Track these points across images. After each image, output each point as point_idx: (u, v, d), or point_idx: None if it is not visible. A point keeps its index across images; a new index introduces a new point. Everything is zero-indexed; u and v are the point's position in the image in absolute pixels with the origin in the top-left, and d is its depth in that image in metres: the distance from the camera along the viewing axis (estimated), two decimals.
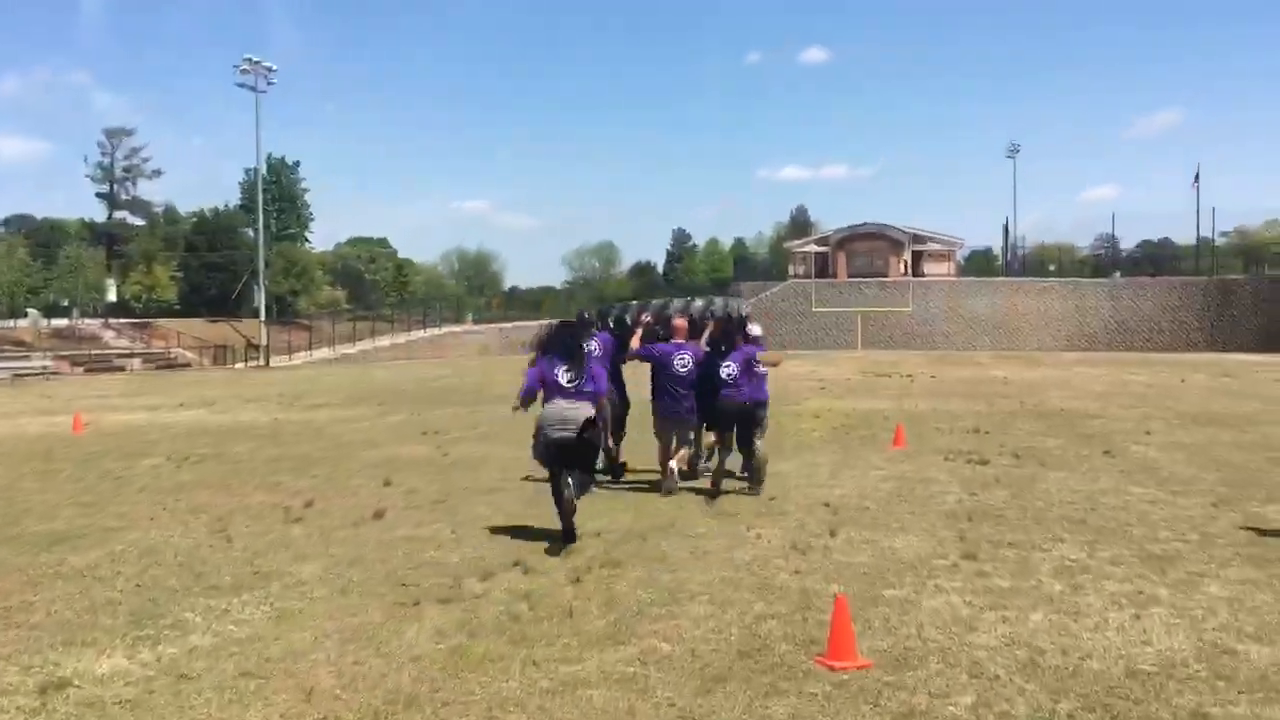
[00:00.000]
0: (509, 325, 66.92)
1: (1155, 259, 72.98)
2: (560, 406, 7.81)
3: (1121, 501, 9.31)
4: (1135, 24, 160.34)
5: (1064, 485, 10.31)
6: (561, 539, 7.63)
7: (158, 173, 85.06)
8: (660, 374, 10.22)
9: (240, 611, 6.03)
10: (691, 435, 10.57)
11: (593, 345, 9.81)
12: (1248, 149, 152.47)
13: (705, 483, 10.06)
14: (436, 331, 64.47)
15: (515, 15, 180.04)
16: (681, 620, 5.73)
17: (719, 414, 10.00)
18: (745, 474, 10.33)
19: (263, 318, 61.37)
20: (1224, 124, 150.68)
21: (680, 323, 10.48)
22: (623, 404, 11.04)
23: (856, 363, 39.08)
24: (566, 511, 7.63)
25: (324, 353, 58.97)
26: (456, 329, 65.70)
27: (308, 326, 71.31)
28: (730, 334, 10.24)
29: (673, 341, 10.35)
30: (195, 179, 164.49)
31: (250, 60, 60.70)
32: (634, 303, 11.97)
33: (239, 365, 53.74)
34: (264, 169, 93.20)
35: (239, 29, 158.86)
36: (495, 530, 8.25)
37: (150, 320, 64.01)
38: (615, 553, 7.39)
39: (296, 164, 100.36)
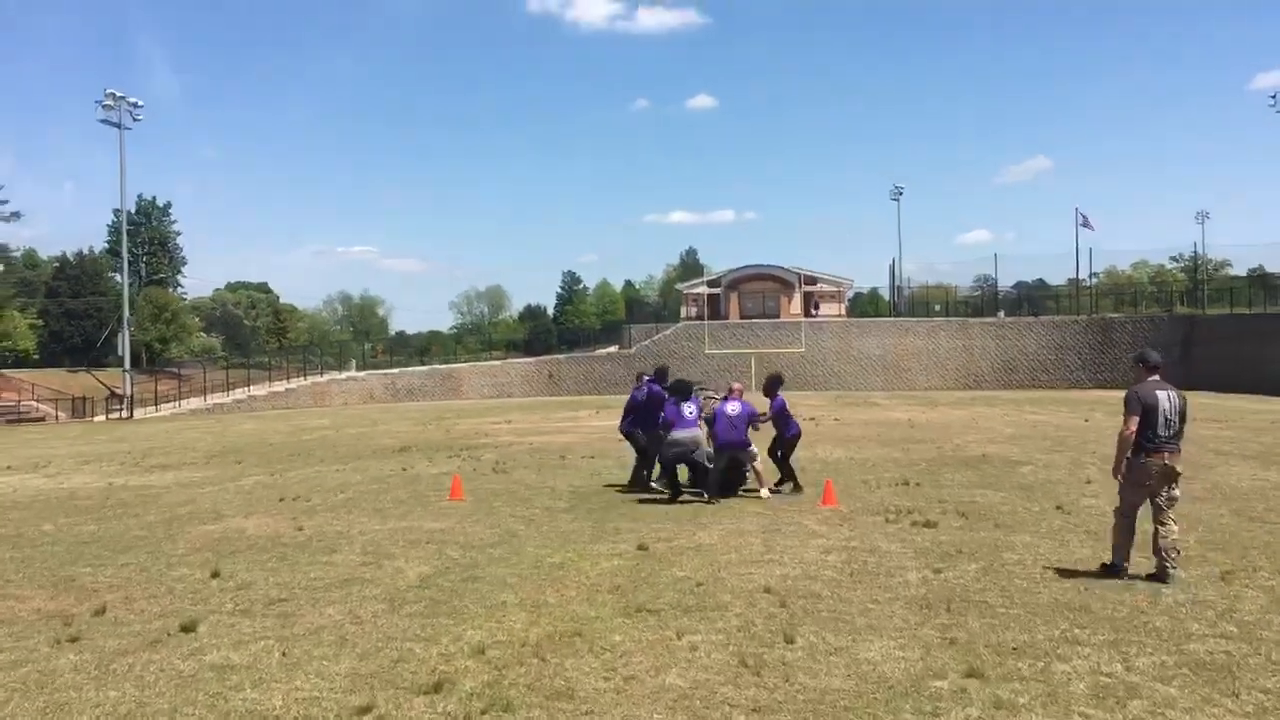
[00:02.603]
0: (395, 371, 63.74)
1: (1031, 299, 74.44)
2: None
3: (1117, 580, 7.78)
4: (1007, 74, 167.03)
5: (1035, 554, 8.78)
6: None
7: (16, 215, 79.22)
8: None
9: None
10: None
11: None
12: (1114, 194, 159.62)
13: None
14: (318, 379, 60.90)
15: (401, 58, 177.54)
16: None
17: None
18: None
19: (127, 366, 57.01)
20: (1091, 170, 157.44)
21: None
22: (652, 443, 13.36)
23: (755, 404, 37.68)
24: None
25: (195, 403, 54.93)
26: (339, 376, 62.23)
27: (177, 375, 66.88)
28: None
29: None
30: (65, 224, 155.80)
31: (113, 95, 56.90)
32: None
33: (99, 418, 49.63)
34: (133, 210, 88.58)
35: (111, 73, 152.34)
36: (342, 647, 6.20)
37: (1, 372, 58.94)
38: (505, 682, 5.44)
39: (168, 205, 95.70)
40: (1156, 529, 7.79)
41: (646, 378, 14.32)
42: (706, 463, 12.66)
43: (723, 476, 12.70)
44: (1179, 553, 7.87)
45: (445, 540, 9.98)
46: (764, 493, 12.65)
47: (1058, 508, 11.39)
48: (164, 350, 79.07)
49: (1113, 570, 7.94)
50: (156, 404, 53.44)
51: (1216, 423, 24.61)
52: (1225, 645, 5.88)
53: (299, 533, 10.67)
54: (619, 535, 10.08)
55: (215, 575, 8.41)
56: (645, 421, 13.50)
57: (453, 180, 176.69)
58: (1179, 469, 7.84)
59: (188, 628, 6.66)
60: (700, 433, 12.78)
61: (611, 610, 6.98)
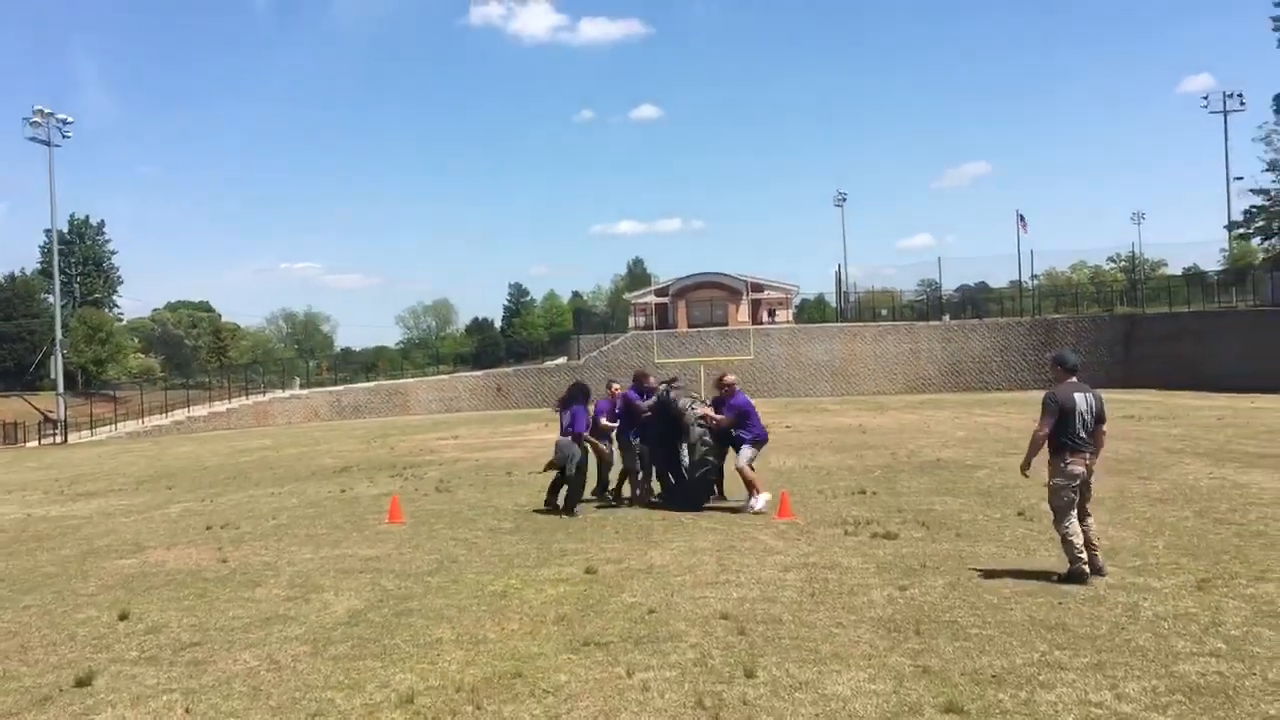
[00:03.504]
0: (339, 388, 62.43)
1: (974, 301, 75.08)
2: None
3: (1087, 590, 7.40)
4: (945, 81, 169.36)
5: (1001, 565, 8.37)
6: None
7: None
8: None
9: None
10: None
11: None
12: (1052, 197, 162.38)
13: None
14: (260, 398, 59.47)
15: (343, 72, 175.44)
16: None
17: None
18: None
19: (60, 389, 55.24)
20: (1029, 174, 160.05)
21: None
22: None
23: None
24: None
25: (131, 426, 53.27)
26: (282, 395, 60.80)
27: (113, 398, 64.98)
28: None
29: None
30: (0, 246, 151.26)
31: (42, 112, 55.12)
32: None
33: (32, 444, 47.83)
34: (65, 229, 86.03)
35: (45, 90, 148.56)
36: (254, 699, 5.56)
37: None
38: None
39: (101, 224, 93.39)
40: (1082, 524, 7.79)
41: (615, 385, 13.93)
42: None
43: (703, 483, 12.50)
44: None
45: (380, 569, 9.33)
46: (759, 503, 11.91)
47: (1019, 514, 11.04)
48: (100, 372, 76.90)
49: (1077, 576, 7.57)
50: (92, 428, 51.82)
51: (1163, 420, 24.66)
52: (1217, 665, 5.47)
53: (222, 565, 9.95)
54: (565, 557, 9.51)
55: (124, 617, 7.69)
56: (642, 430, 13.07)
57: (396, 195, 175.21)
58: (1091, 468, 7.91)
59: (83, 681, 5.97)
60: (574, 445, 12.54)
61: (556, 645, 6.41)
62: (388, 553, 10.19)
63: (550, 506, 12.71)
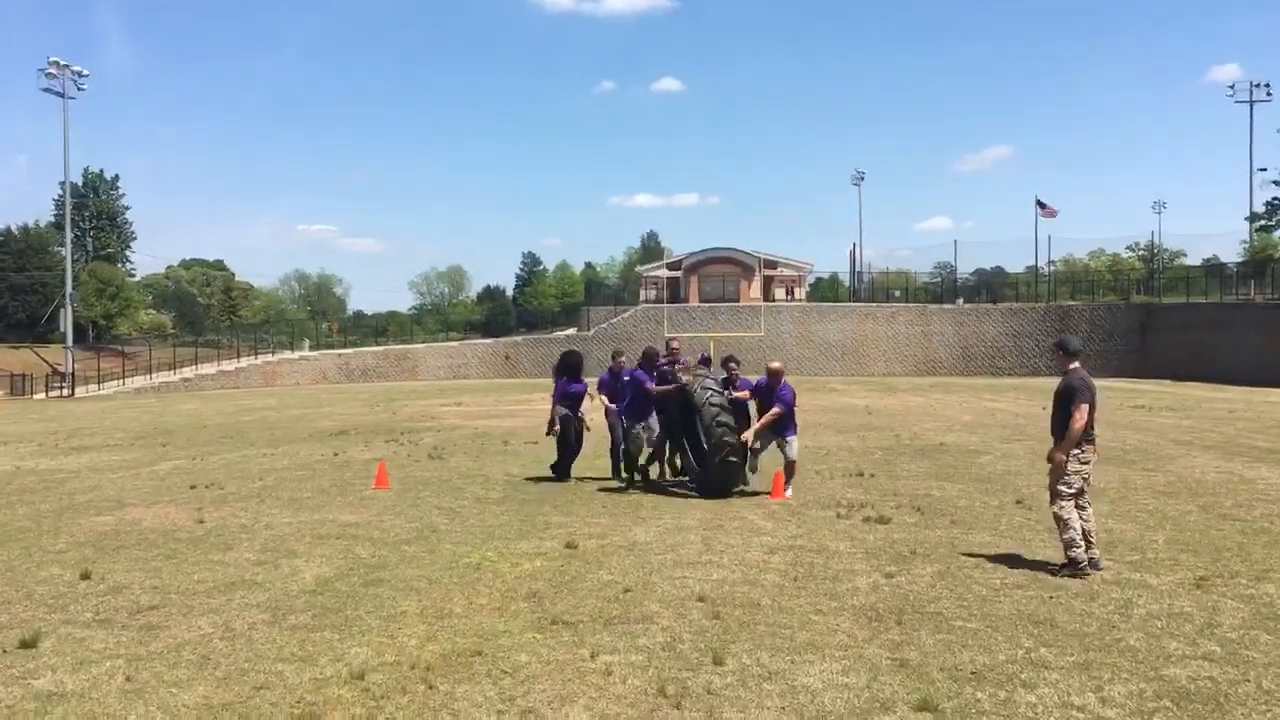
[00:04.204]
0: (349, 351, 62.34)
1: (990, 286, 74.40)
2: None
3: (1080, 584, 7.11)
4: (969, 63, 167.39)
5: (994, 555, 8.09)
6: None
7: None
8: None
9: None
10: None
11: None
12: (1073, 183, 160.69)
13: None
14: (269, 359, 59.45)
15: (365, 36, 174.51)
16: None
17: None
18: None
19: (69, 343, 55.27)
20: (1050, 159, 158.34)
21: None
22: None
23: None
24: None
25: (139, 381, 53.40)
26: (291, 356, 60.76)
27: (122, 353, 64.99)
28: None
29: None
30: (17, 198, 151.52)
31: (57, 63, 54.83)
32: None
33: (40, 396, 47.92)
34: (80, 182, 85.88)
35: (65, 46, 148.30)
36: (201, 668, 5.33)
37: None
38: (379, 718, 4.63)
39: (115, 179, 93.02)
40: (1080, 516, 7.49)
41: (620, 357, 13.12)
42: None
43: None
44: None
45: (357, 535, 9.12)
46: (789, 493, 11.26)
47: (1018, 502, 10.76)
48: (111, 327, 76.89)
49: (1077, 566, 7.29)
50: (99, 382, 51.88)
51: (1174, 412, 24.26)
52: (1209, 669, 5.18)
53: (199, 525, 9.75)
54: (548, 531, 9.28)
55: (86, 577, 7.49)
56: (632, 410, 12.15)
57: (415, 161, 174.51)
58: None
59: (29, 643, 5.75)
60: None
61: (523, 623, 6.16)
62: (368, 519, 9.97)
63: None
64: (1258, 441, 16.97)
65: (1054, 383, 7.92)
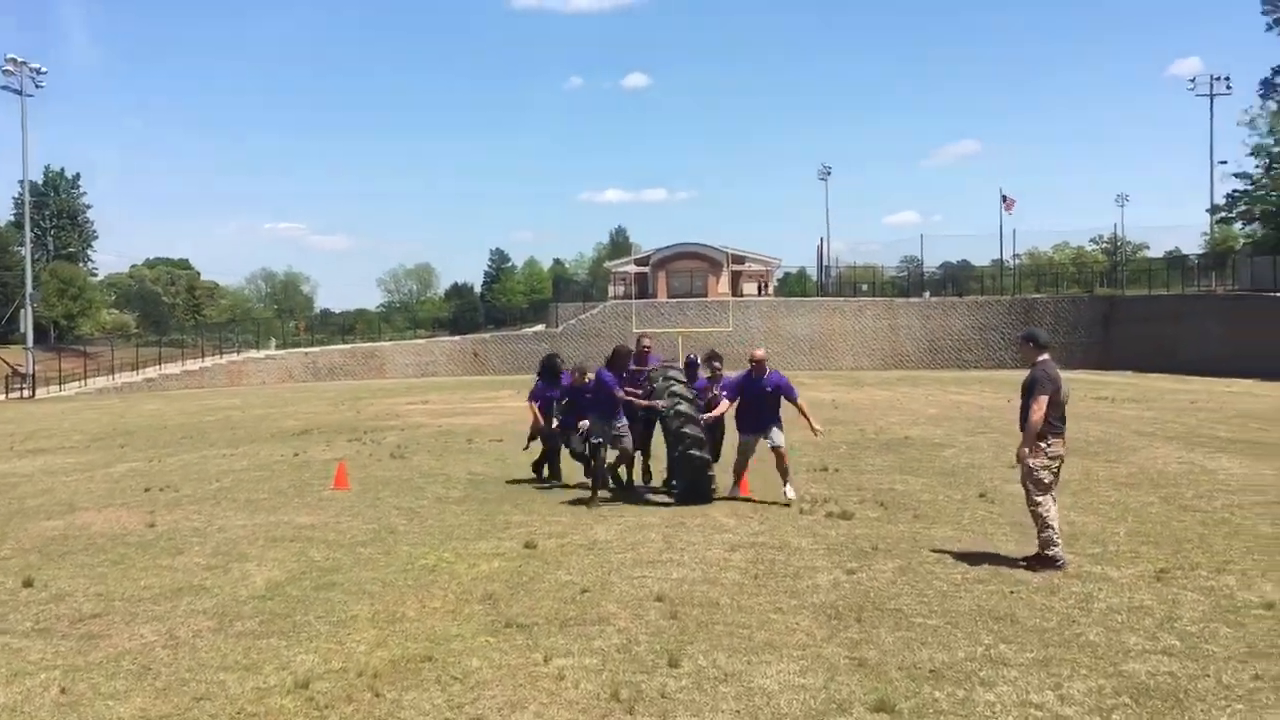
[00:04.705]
0: (315, 350, 61.71)
1: (956, 279, 74.88)
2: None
3: (1042, 578, 7.07)
4: (937, 58, 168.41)
5: (956, 550, 8.04)
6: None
7: None
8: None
9: None
10: None
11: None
12: (1039, 177, 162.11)
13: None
14: (235, 358, 58.73)
15: (333, 32, 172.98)
16: None
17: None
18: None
19: (30, 344, 54.22)
20: (1017, 154, 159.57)
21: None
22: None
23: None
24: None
25: (102, 382, 52.54)
26: (257, 355, 60.06)
27: (84, 353, 63.95)
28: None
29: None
30: None
31: (14, 60, 53.79)
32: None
33: (0, 397, 47.02)
34: (40, 181, 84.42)
35: (25, 43, 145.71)
36: (141, 679, 5.16)
37: None
38: (332, 719, 4.49)
39: (76, 177, 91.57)
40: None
41: (645, 341, 11.98)
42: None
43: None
44: None
45: (312, 538, 8.93)
46: (789, 492, 10.54)
47: (981, 495, 10.74)
48: (73, 327, 75.74)
49: (1052, 562, 7.25)
50: (61, 383, 50.98)
51: (1137, 403, 24.45)
52: (1168, 664, 5.14)
53: (150, 529, 9.52)
54: (507, 530, 9.14)
55: (28, 584, 7.27)
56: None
57: (384, 158, 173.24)
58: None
59: None
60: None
61: (476, 626, 6.03)
62: (324, 521, 9.79)
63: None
64: (1219, 432, 17.10)
65: (1020, 375, 7.88)
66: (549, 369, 12.65)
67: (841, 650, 5.47)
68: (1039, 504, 7.36)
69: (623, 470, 11.56)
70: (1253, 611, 6.12)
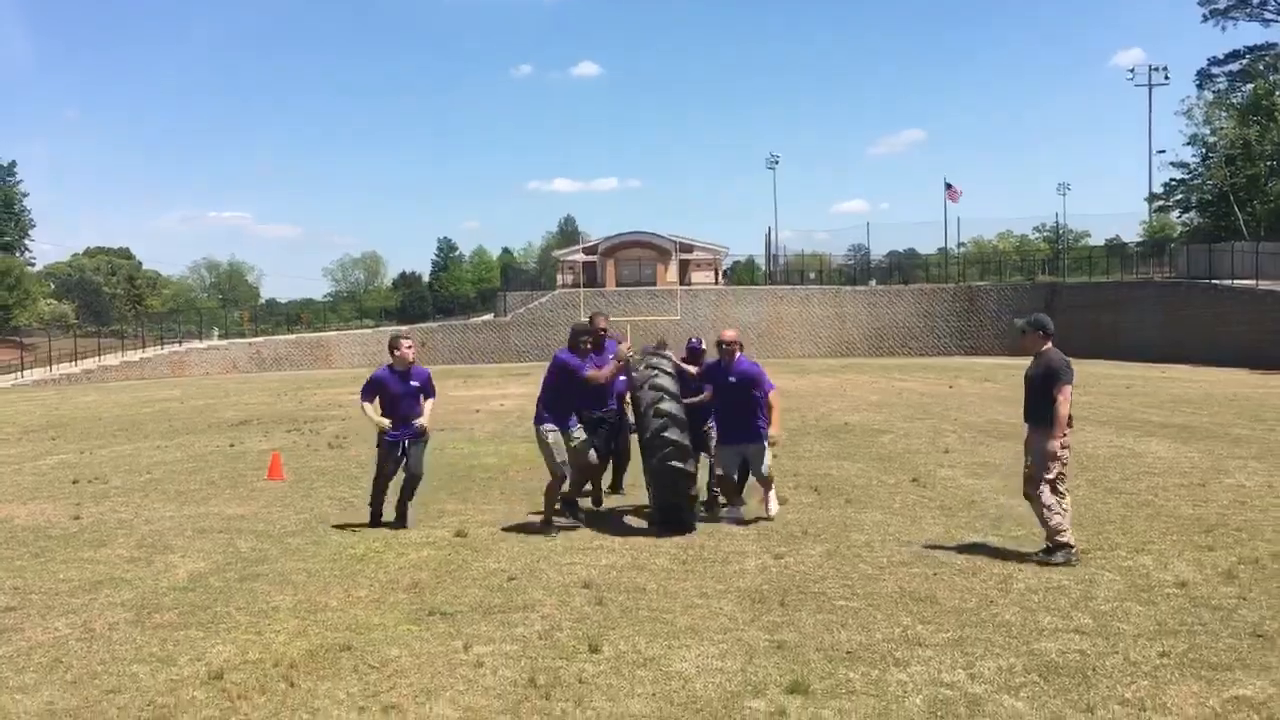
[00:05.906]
0: (260, 340, 60.79)
1: (903, 268, 75.71)
2: None
3: (965, 560, 7.19)
4: (883, 47, 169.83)
5: (885, 533, 8.15)
6: None
7: None
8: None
9: None
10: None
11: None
12: (984, 166, 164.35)
13: None
14: (177, 349, 57.65)
15: (278, 19, 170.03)
16: None
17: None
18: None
19: None
20: (961, 143, 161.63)
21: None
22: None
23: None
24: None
25: (39, 374, 51.23)
26: (199, 345, 59.02)
27: (20, 344, 62.45)
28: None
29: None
30: None
31: None
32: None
33: None
34: None
35: None
36: (51, 672, 5.06)
37: None
38: (244, 709, 4.43)
39: (12, 165, 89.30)
40: (1061, 505, 7.23)
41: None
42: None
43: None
44: None
45: (240, 529, 8.81)
46: (773, 508, 8.98)
47: (913, 480, 10.89)
48: (10, 318, 73.93)
49: (1070, 551, 7.04)
50: None
51: (1074, 388, 24.90)
52: (1079, 642, 5.25)
53: (74, 521, 9.33)
54: (440, 519, 9.09)
55: None
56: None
57: (332, 146, 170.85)
58: None
59: None
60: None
61: (400, 615, 5.99)
62: (255, 511, 9.66)
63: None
64: (1151, 416, 17.50)
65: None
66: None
67: (762, 634, 5.51)
68: (1041, 493, 7.10)
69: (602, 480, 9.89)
70: (1165, 590, 6.28)
